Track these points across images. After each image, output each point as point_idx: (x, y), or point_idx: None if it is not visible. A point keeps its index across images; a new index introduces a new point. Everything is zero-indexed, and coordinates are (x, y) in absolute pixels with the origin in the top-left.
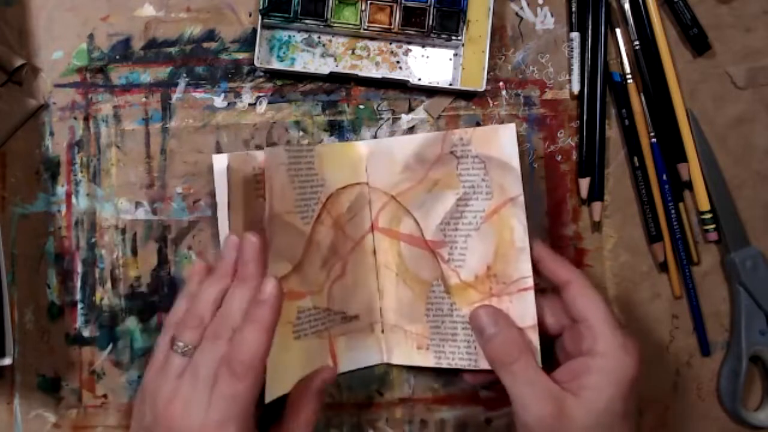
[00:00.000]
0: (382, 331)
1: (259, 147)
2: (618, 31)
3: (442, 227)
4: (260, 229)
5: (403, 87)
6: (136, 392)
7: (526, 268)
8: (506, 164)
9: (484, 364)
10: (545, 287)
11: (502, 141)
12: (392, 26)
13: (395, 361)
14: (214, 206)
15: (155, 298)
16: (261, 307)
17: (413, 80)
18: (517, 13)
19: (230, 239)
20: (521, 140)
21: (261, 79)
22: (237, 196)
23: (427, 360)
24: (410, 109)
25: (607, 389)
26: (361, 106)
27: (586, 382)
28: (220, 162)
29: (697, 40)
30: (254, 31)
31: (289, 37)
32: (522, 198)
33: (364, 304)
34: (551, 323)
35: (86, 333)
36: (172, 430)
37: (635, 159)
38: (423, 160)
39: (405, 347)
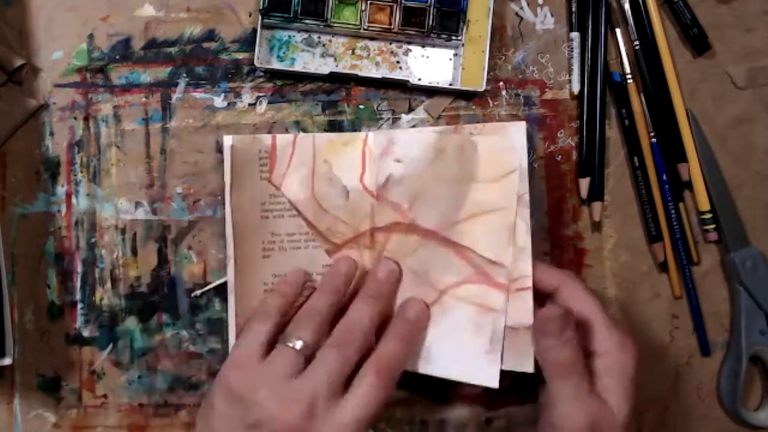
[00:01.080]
0: None
1: None
2: (618, 31)
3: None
4: (264, 210)
5: (403, 87)
6: (213, 385)
7: (526, 268)
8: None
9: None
10: (538, 294)
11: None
12: (392, 26)
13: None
14: (214, 206)
15: (155, 298)
16: (410, 325)
17: (413, 80)
18: (517, 13)
19: (345, 260)
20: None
21: (261, 79)
22: (239, 175)
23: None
24: (410, 109)
25: (620, 388)
26: (361, 106)
27: (611, 384)
28: (230, 143)
29: (697, 40)
30: (254, 31)
31: (289, 37)
32: (527, 197)
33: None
34: None
35: (86, 333)
36: (295, 430)
37: (635, 159)
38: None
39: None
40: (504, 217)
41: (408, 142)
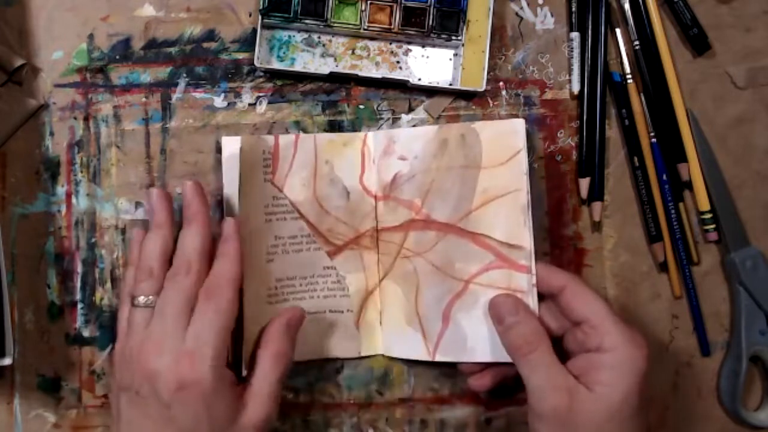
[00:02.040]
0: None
1: None
2: (618, 31)
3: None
4: (268, 213)
5: (403, 87)
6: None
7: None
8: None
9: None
10: (541, 294)
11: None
12: (392, 26)
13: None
14: (214, 206)
15: None
16: (226, 242)
17: (413, 80)
18: (517, 13)
19: (154, 192)
20: None
21: (261, 79)
22: (247, 178)
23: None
24: (410, 109)
25: (620, 384)
26: (361, 106)
27: (598, 378)
28: (230, 144)
29: (697, 40)
30: (254, 31)
31: (289, 37)
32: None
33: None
34: (553, 327)
35: (86, 333)
36: (150, 374)
37: (635, 159)
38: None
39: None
40: (516, 199)
41: (409, 139)
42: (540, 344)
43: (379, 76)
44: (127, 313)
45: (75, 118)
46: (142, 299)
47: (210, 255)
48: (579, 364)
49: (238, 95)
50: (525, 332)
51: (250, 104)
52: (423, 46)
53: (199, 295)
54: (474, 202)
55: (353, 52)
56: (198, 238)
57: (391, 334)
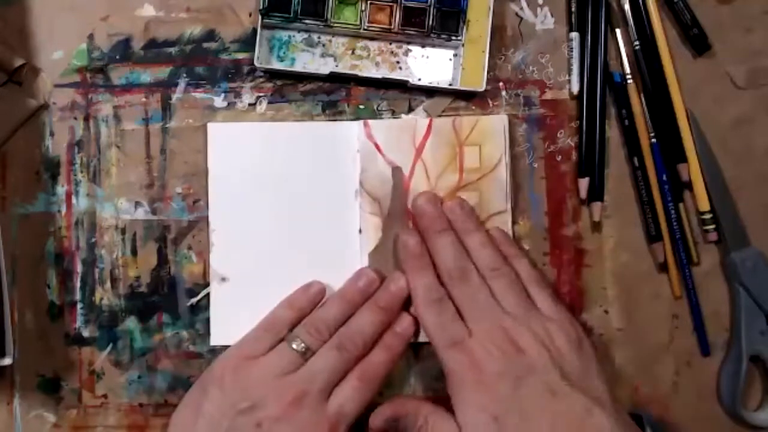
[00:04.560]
0: None
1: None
2: (618, 31)
3: None
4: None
5: (403, 87)
6: (205, 376)
7: None
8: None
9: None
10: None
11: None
12: (392, 26)
13: None
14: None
15: (155, 298)
16: (397, 338)
17: (413, 80)
18: (517, 13)
19: (367, 273)
20: (521, 140)
21: (261, 79)
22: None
23: None
24: (410, 109)
25: (461, 407)
26: (361, 106)
27: (452, 397)
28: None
29: (697, 40)
30: (254, 31)
31: (289, 37)
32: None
33: None
34: None
35: (86, 333)
36: (282, 418)
37: (635, 159)
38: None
39: None
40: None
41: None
42: (428, 413)
43: (379, 76)
44: (270, 340)
45: (75, 118)
46: (299, 345)
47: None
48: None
49: (238, 95)
50: (414, 415)
51: (250, 104)
52: (423, 46)
53: (354, 371)
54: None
55: (353, 52)
56: (376, 326)
57: None
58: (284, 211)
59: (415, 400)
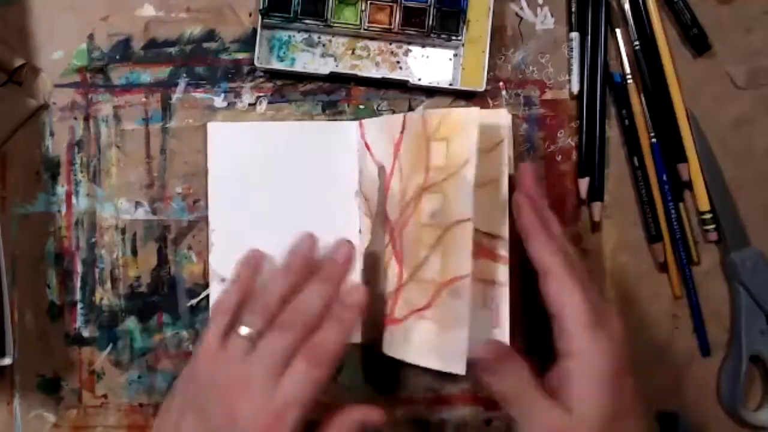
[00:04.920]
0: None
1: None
2: (618, 31)
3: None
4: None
5: (403, 87)
6: (178, 379)
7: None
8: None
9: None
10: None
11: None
12: (392, 26)
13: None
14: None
15: (155, 298)
16: (347, 310)
17: (413, 80)
18: (517, 13)
19: (306, 236)
20: (521, 140)
21: (261, 79)
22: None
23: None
24: (410, 109)
25: (591, 397)
26: (361, 106)
27: (571, 392)
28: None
29: (697, 40)
30: (254, 31)
31: (289, 37)
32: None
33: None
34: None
35: (86, 333)
36: (231, 413)
37: (635, 159)
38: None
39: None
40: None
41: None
42: (526, 392)
43: (379, 76)
44: (219, 333)
45: (75, 118)
46: (245, 331)
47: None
48: (558, 372)
49: (238, 95)
50: (514, 382)
51: (250, 104)
52: (423, 46)
53: (298, 353)
54: None
55: (353, 52)
56: (323, 299)
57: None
58: (284, 210)
59: (527, 371)
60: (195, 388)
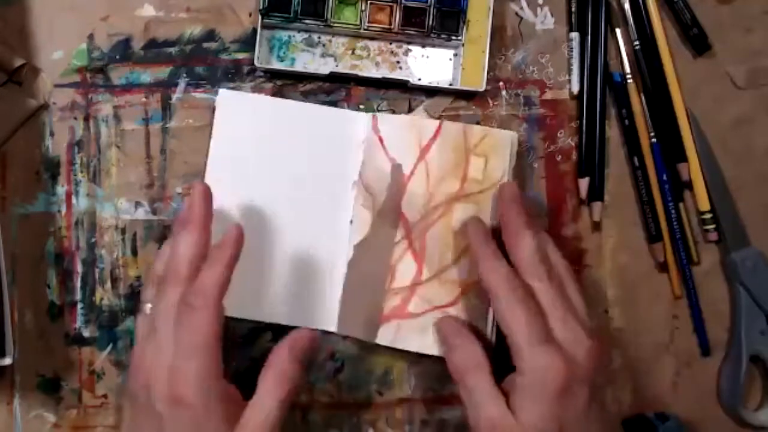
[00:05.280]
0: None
1: None
2: (618, 31)
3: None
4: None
5: (403, 87)
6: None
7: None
8: None
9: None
10: None
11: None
12: (392, 26)
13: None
14: None
15: None
16: (222, 248)
17: (413, 80)
18: (517, 13)
19: (197, 187)
20: (521, 140)
21: (261, 79)
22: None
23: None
24: (410, 109)
25: (534, 409)
26: (361, 106)
27: (518, 402)
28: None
29: (697, 40)
30: (254, 31)
31: (289, 37)
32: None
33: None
34: None
35: (86, 333)
36: (146, 384)
37: (635, 159)
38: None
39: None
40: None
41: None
42: (477, 371)
43: (379, 76)
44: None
45: (75, 118)
46: (147, 307)
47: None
48: (509, 381)
49: None
50: (464, 357)
51: None
52: (423, 46)
53: (178, 306)
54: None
55: (353, 52)
56: (193, 246)
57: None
58: (281, 191)
59: (478, 350)
60: (129, 375)
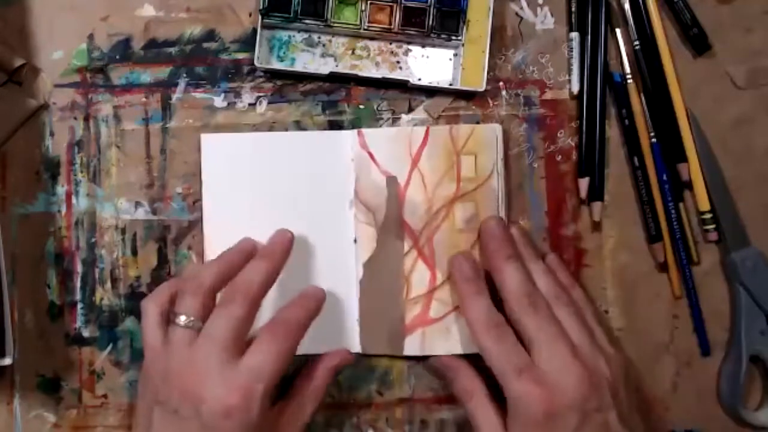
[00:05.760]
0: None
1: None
2: (618, 31)
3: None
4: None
5: (403, 87)
6: (138, 384)
7: None
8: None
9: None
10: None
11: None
12: (392, 26)
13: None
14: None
15: None
16: (309, 298)
17: (413, 80)
18: (517, 13)
19: (246, 239)
20: (521, 140)
21: (261, 79)
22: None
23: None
24: (410, 109)
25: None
26: (361, 106)
27: (510, 426)
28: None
29: (697, 40)
30: (254, 31)
31: (289, 37)
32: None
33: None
34: None
35: (86, 333)
36: (195, 398)
37: (635, 159)
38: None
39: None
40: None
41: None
42: (474, 394)
43: (379, 76)
44: (158, 326)
45: (75, 118)
46: (183, 319)
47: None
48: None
49: (238, 95)
50: (460, 388)
51: (250, 104)
52: (423, 46)
53: (263, 330)
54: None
55: (353, 52)
56: (266, 274)
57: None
58: (279, 221)
59: (473, 378)
60: (153, 386)
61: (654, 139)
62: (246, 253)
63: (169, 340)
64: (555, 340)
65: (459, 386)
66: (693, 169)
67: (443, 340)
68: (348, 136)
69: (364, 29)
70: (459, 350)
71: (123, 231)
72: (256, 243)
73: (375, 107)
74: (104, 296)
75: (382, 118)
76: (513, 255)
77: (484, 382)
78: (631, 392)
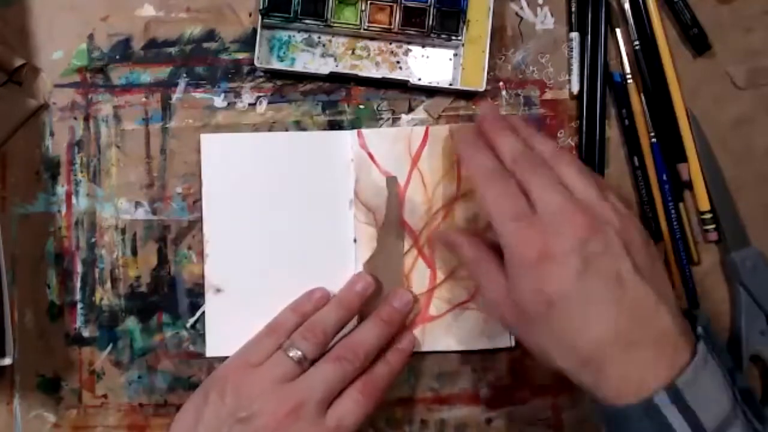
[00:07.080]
0: None
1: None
2: (618, 31)
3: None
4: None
5: (403, 87)
6: (207, 381)
7: None
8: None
9: None
10: None
11: None
12: (392, 26)
13: None
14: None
15: (155, 298)
16: (398, 354)
17: (413, 80)
18: (517, 13)
19: (364, 277)
20: None
21: (261, 79)
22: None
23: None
24: (410, 109)
25: (518, 283)
26: (361, 106)
27: (508, 274)
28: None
29: (697, 40)
30: (254, 31)
31: (289, 37)
32: None
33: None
34: None
35: (86, 333)
36: (281, 429)
37: (635, 159)
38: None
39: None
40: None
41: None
42: (482, 260)
43: (379, 76)
44: (271, 347)
45: (75, 118)
46: (296, 353)
47: None
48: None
49: (238, 95)
50: (471, 253)
51: (250, 104)
52: (423, 46)
53: (356, 383)
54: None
55: (353, 52)
56: (379, 339)
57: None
58: (279, 221)
59: (478, 247)
60: (235, 399)
61: (654, 139)
62: (364, 297)
63: (269, 364)
64: (552, 187)
65: (464, 257)
66: (693, 169)
67: (443, 338)
68: (348, 136)
69: (364, 29)
70: (459, 347)
71: (123, 231)
72: (372, 283)
73: (375, 107)
74: (104, 296)
75: (382, 118)
76: (508, 126)
77: (489, 251)
78: (653, 254)
